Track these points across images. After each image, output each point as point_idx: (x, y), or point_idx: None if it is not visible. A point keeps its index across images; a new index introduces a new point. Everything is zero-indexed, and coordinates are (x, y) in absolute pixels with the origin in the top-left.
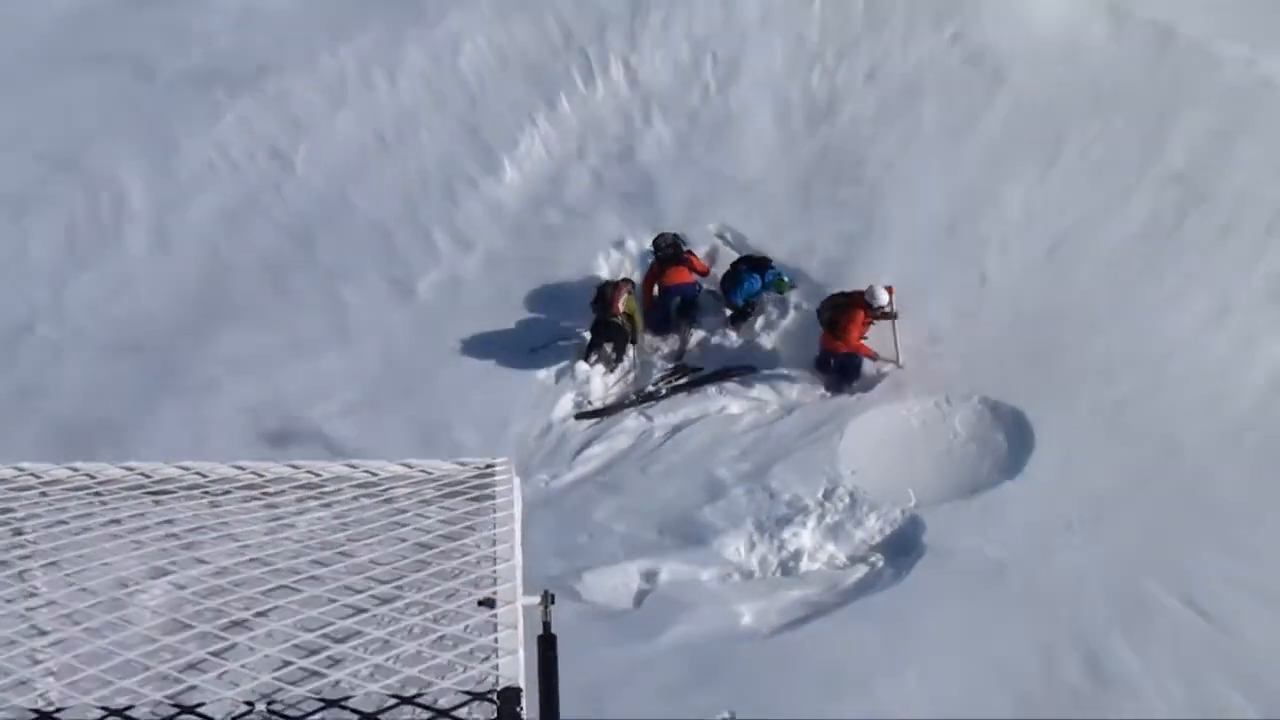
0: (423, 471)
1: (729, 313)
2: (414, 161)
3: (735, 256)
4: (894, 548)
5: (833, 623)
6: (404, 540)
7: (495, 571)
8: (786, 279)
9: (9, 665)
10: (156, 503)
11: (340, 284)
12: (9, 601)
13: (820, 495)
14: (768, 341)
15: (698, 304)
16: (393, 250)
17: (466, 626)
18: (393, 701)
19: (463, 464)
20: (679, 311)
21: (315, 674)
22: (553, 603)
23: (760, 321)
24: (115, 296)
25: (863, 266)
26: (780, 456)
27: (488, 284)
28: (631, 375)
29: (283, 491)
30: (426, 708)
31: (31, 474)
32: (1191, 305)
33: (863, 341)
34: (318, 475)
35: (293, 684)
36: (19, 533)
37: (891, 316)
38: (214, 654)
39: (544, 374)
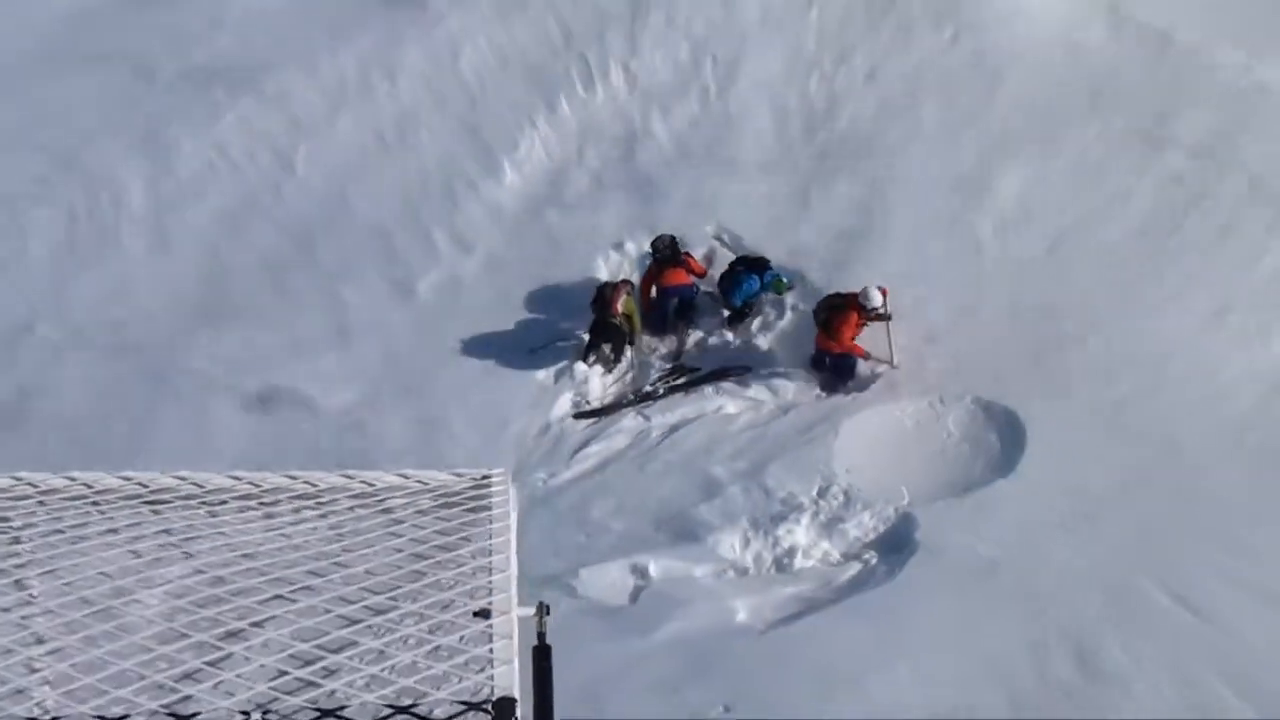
0: (419, 482)
1: (726, 314)
2: (414, 163)
3: (732, 258)
4: (887, 545)
5: (827, 619)
6: (400, 551)
7: (491, 582)
8: (784, 280)
9: (5, 674)
10: (154, 512)
11: (340, 284)
12: (5, 610)
13: (815, 493)
14: (764, 342)
15: (695, 305)
16: (393, 251)
17: (462, 637)
18: (388, 712)
19: (459, 474)
20: (676, 312)
21: (311, 684)
22: (548, 614)
23: (757, 322)
24: (115, 296)
25: (860, 268)
26: (776, 455)
27: (487, 285)
28: (629, 375)
29: (279, 501)
30: (422, 718)
31: (29, 483)
32: (1190, 305)
33: (856, 342)
34: (314, 485)
35: (288, 694)
36: (16, 541)
37: (886, 318)
38: (210, 663)
39: (543, 374)
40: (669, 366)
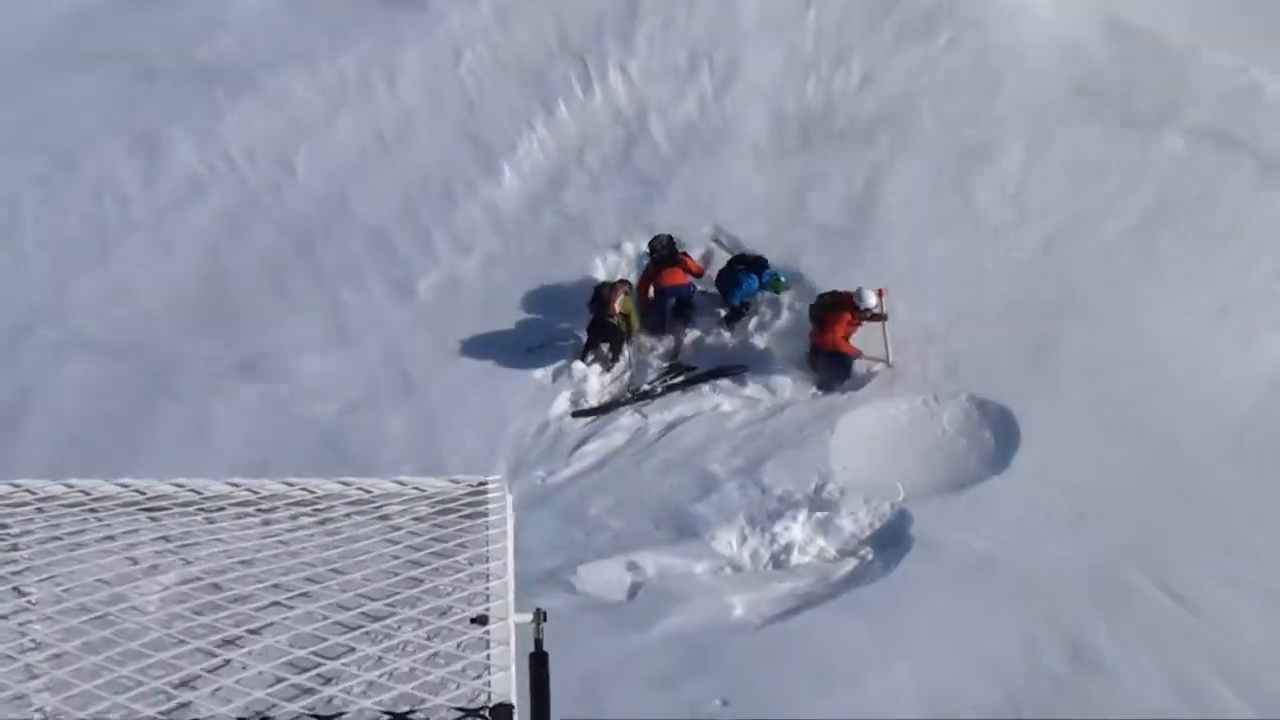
0: (416, 489)
1: (723, 313)
2: (413, 164)
3: (730, 258)
4: (883, 541)
5: (823, 614)
6: (397, 557)
7: (488, 588)
8: (783, 279)
9: (4, 680)
10: (152, 519)
11: (340, 285)
12: (4, 617)
13: (811, 490)
14: (761, 341)
15: (692, 305)
16: (393, 252)
17: (459, 643)
18: (386, 718)
19: (455, 481)
20: (674, 312)
21: (309, 690)
22: (545, 620)
23: (754, 322)
24: (115, 297)
25: (857, 268)
26: (772, 453)
27: (486, 285)
28: (627, 374)
29: (277, 508)
30: None
31: (27, 490)
32: (1185, 304)
33: (847, 341)
34: (311, 492)
35: (286, 700)
36: (14, 548)
37: (882, 318)
38: (208, 670)
39: (541, 373)
40: (666, 365)
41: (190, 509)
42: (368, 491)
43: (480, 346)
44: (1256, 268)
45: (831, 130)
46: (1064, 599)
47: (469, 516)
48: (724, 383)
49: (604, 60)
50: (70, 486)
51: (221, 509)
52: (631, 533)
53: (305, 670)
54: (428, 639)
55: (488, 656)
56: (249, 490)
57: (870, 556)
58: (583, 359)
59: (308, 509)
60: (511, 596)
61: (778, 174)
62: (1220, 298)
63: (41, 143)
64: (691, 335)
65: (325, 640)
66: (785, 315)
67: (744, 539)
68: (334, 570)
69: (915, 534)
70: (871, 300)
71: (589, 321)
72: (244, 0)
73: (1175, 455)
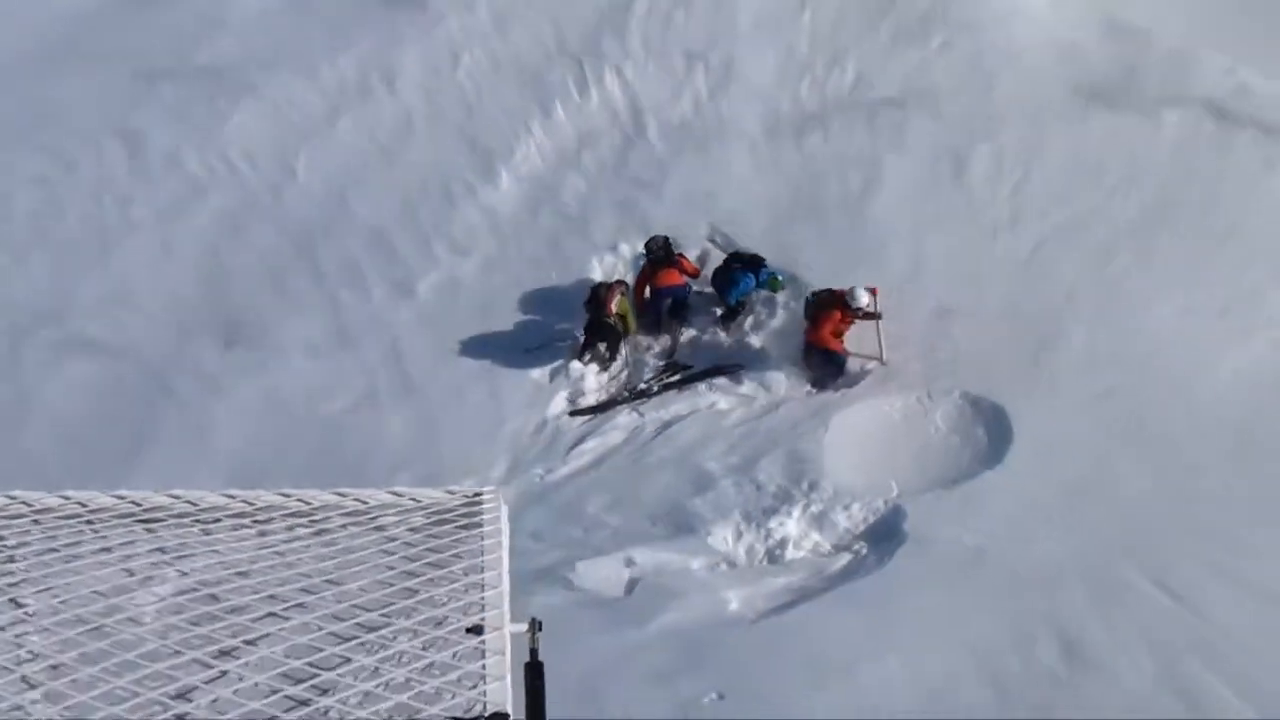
0: (411, 500)
1: (719, 311)
2: (413, 168)
3: (725, 257)
4: (877, 536)
5: (817, 608)
6: (393, 568)
7: (483, 598)
8: (780, 278)
9: (2, 692)
10: (148, 530)
11: (341, 287)
12: (1, 629)
13: (806, 486)
14: (756, 340)
15: (688, 304)
16: (392, 254)
17: (455, 654)
18: None
19: (451, 492)
20: (670, 312)
21: (305, 701)
22: (540, 630)
23: (749, 321)
24: (115, 299)
25: (849, 267)
26: (767, 450)
27: (484, 286)
28: (624, 373)
29: (273, 520)
30: None
31: (23, 502)
32: (1177, 302)
33: (838, 339)
34: (308, 503)
35: (283, 711)
36: (11, 560)
37: (875, 317)
38: (204, 681)
39: (539, 373)
40: (663, 364)
41: (186, 520)
42: (363, 502)
43: (479, 347)
44: (1254, 266)
45: (826, 131)
46: (1056, 593)
47: (464, 527)
48: (720, 381)
49: (600, 63)
50: (66, 498)
51: (218, 520)
52: (629, 529)
53: (301, 681)
54: (423, 649)
55: (483, 666)
56: (245, 501)
57: (864, 551)
58: (580, 359)
59: (304, 520)
60: (507, 606)
61: (773, 175)
62: (1217, 297)
63: (41, 143)
64: (687, 334)
65: (321, 651)
66: (780, 314)
67: (739, 535)
68: (330, 581)
69: (908, 529)
70: (864, 299)
71: (586, 322)
72: (244, 1)
73: (1169, 452)
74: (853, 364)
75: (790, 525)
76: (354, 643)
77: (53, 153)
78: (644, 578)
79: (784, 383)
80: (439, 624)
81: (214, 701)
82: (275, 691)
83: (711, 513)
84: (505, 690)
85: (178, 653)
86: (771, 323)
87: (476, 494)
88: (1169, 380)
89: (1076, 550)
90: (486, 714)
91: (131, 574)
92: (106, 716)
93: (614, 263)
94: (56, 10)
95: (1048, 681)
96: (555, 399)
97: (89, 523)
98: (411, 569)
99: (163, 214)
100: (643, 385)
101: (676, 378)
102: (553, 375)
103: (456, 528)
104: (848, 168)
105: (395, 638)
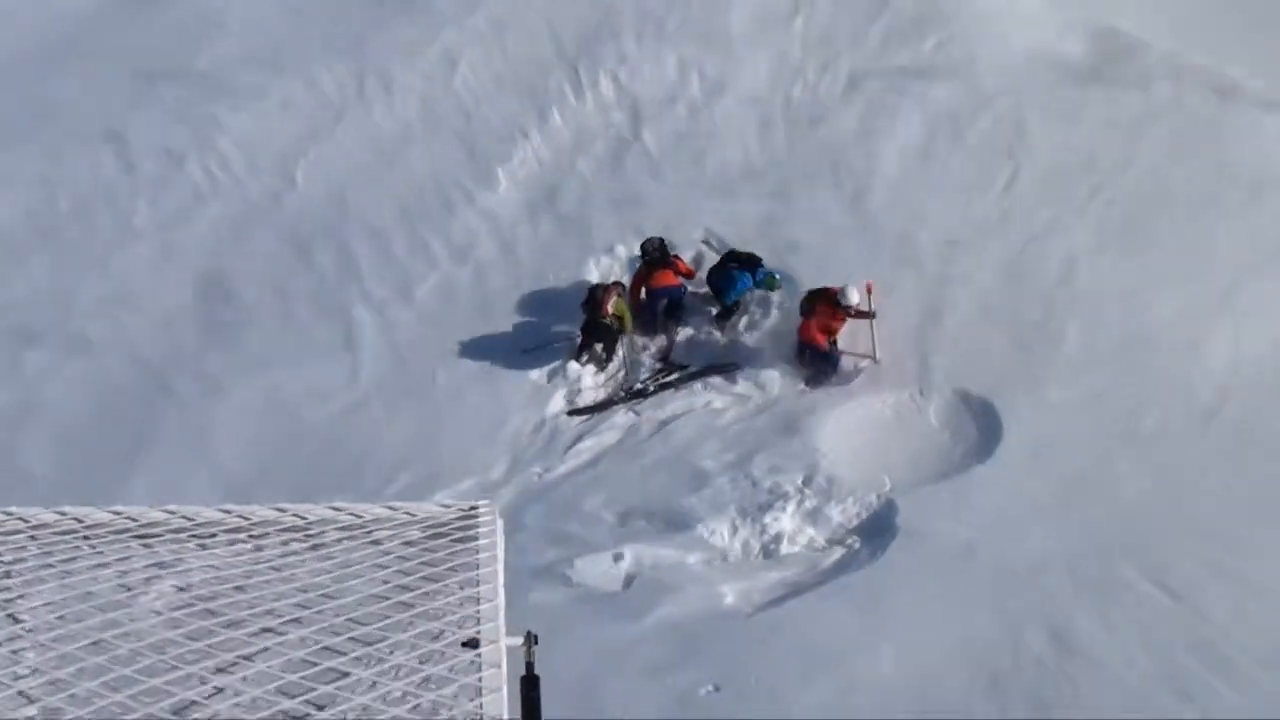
0: (407, 514)
1: (714, 311)
2: (412, 171)
3: (721, 256)
4: (870, 530)
5: (812, 601)
6: (388, 582)
7: (479, 612)
8: (776, 277)
9: None
10: (144, 545)
11: (341, 291)
12: None
13: (800, 482)
14: (751, 340)
15: (684, 305)
16: (392, 258)
17: (451, 667)
18: None
19: (446, 506)
20: (666, 312)
21: (302, 716)
22: (536, 643)
23: (744, 321)
24: (116, 302)
25: (841, 268)
26: (762, 447)
27: (483, 288)
28: (621, 373)
29: (268, 534)
30: None
31: (20, 518)
32: (1175, 300)
33: (826, 336)
34: (303, 518)
35: None
36: (8, 575)
37: (869, 315)
38: (201, 696)
39: (537, 373)
40: (659, 364)
41: (182, 535)
42: (359, 516)
43: (478, 348)
44: (1248, 263)
45: (819, 134)
46: (1046, 585)
47: (459, 540)
48: (715, 380)
49: (596, 67)
50: (63, 514)
51: (213, 535)
52: (626, 526)
53: (298, 695)
54: (420, 663)
55: (479, 679)
56: (240, 516)
57: (857, 545)
58: (577, 359)
59: (299, 534)
60: (502, 620)
61: (766, 177)
62: (1210, 294)
63: (41, 143)
64: (683, 334)
65: (318, 665)
66: (775, 314)
67: (735, 530)
68: (326, 595)
69: (901, 523)
70: (855, 298)
71: (583, 322)
72: (242, 4)
73: (1160, 447)
74: (846, 362)
75: (785, 520)
76: (350, 657)
77: (52, 153)
78: (641, 573)
79: (778, 381)
80: (435, 638)
81: (211, 717)
82: (272, 705)
83: (707, 509)
84: (501, 703)
85: (175, 667)
86: (766, 322)
87: (471, 507)
88: (1157, 375)
89: (1066, 543)
90: None
91: (128, 589)
92: None
93: (610, 264)
94: (56, 10)
95: (1037, 670)
96: (553, 399)
97: (85, 538)
98: (407, 583)
99: (162, 215)
100: (639, 385)
101: (673, 377)
102: (551, 375)
103: (452, 541)
104: (841, 169)
105: (392, 651)
